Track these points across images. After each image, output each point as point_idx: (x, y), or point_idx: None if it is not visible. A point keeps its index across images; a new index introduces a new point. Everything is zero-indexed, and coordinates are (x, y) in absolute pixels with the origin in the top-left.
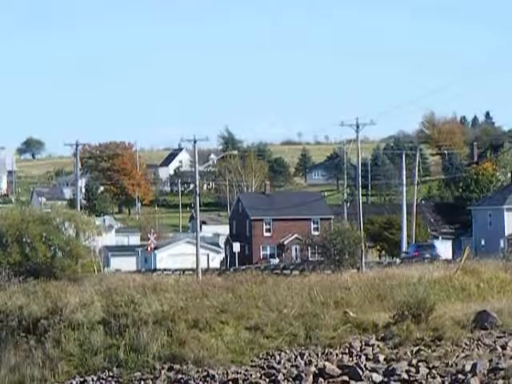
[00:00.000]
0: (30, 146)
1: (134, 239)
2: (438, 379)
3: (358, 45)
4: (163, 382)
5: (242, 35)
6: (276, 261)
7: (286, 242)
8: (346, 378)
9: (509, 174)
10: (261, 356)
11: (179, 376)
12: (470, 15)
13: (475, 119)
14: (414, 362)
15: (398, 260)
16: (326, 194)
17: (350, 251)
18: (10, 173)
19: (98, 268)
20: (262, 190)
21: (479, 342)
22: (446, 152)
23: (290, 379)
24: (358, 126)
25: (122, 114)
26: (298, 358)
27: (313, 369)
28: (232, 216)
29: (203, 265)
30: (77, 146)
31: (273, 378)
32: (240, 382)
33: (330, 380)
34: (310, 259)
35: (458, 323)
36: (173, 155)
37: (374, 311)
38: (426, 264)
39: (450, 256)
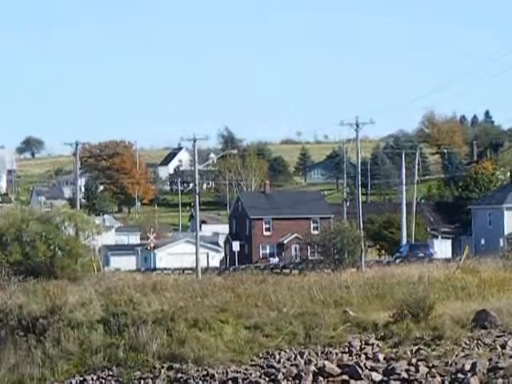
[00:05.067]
0: (30, 145)
1: (134, 238)
2: (438, 378)
3: (357, 44)
4: (163, 381)
5: (242, 34)
6: (276, 260)
7: (285, 241)
8: (345, 377)
9: (508, 173)
10: (260, 355)
11: (179, 375)
12: (470, 15)
13: (475, 118)
14: (414, 361)
15: (396, 260)
16: (325, 193)
17: (349, 250)
18: (9, 172)
19: (97, 267)
20: (261, 189)
21: (479, 341)
22: (445, 151)
23: (290, 378)
24: (357, 125)
25: (121, 112)
26: (298, 357)
27: (312, 368)
28: (232, 215)
29: (203, 264)
30: (76, 144)
31: (272, 377)
32: (240, 381)
33: (330, 379)
34: (310, 258)
35: (457, 322)
36: (172, 154)
37: (374, 310)
38: (425, 263)
39: (449, 255)
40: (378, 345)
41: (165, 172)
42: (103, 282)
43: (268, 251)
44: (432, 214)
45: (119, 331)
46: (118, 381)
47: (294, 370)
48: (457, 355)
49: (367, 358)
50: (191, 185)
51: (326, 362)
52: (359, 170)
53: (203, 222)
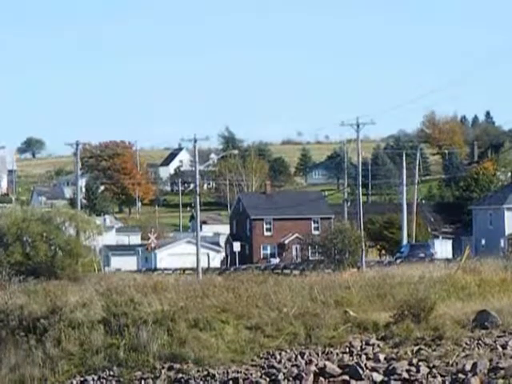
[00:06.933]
0: (31, 146)
1: (135, 239)
2: (439, 378)
3: (358, 44)
4: (163, 382)
5: (243, 35)
6: (276, 260)
7: (286, 242)
8: (346, 377)
9: (509, 174)
10: (261, 355)
11: (179, 375)
12: (470, 14)
13: (475, 119)
14: (415, 361)
15: (397, 260)
16: (326, 193)
17: (350, 250)
18: (10, 172)
19: (98, 267)
20: (262, 190)
21: (479, 342)
22: (446, 151)
23: (291, 378)
24: (358, 126)
25: (122, 113)
26: (299, 357)
27: (313, 368)
28: (232, 215)
29: (204, 264)
30: (77, 145)
31: (273, 377)
32: (240, 381)
33: (331, 379)
34: (311, 259)
35: (458, 322)
36: (173, 155)
37: (375, 310)
38: (426, 263)
39: (450, 255)
40: (378, 345)
41: (165, 172)
42: (104, 282)
43: (269, 251)
44: (433, 215)
45: (120, 331)
46: (118, 381)
47: (295, 371)
48: (457, 355)
49: (368, 359)
50: (192, 185)
51: (327, 363)
52: (360, 170)
53: (204, 222)
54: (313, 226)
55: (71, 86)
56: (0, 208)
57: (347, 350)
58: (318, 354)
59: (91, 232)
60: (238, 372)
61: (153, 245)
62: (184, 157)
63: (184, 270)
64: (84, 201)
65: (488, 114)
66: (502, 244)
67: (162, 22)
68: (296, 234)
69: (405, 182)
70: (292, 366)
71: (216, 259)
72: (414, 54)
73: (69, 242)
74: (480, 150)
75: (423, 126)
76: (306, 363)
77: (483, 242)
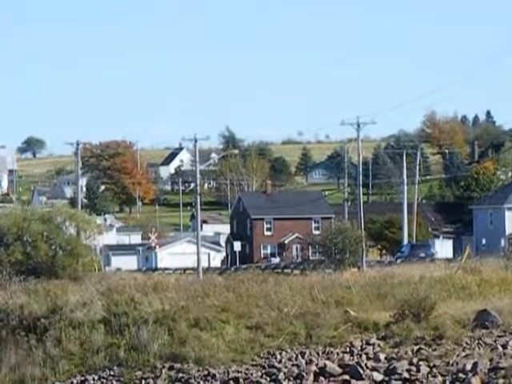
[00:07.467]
0: (31, 145)
1: (135, 238)
2: (439, 378)
3: (357, 44)
4: (164, 381)
5: (243, 35)
6: (277, 260)
7: (286, 241)
8: (346, 376)
9: (510, 173)
10: (262, 355)
11: (180, 375)
12: (471, 14)
13: (476, 118)
14: (415, 360)
15: (397, 260)
16: (326, 193)
17: (350, 250)
18: (10, 172)
19: (98, 267)
20: (262, 189)
21: (480, 341)
22: (446, 151)
23: (291, 378)
24: (358, 125)
25: (122, 113)
26: (299, 357)
27: (314, 368)
28: (233, 215)
29: (204, 264)
30: (78, 144)
31: (274, 377)
32: (241, 381)
33: (331, 379)
34: (311, 258)
35: (458, 322)
36: (174, 154)
37: (375, 310)
38: (426, 263)
39: (450, 255)
40: (379, 345)
41: (166, 172)
42: (104, 281)
43: (269, 251)
44: (433, 214)
45: (120, 331)
46: (119, 381)
47: (295, 370)
48: (458, 355)
49: (368, 358)
50: (192, 185)
51: (327, 362)
52: (360, 169)
53: (204, 221)
54: (313, 225)
55: (71, 86)
56: (1, 208)
57: (348, 349)
58: (318, 354)
59: (92, 231)
60: (238, 372)
61: (153, 244)
62: (184, 156)
63: (184, 269)
64: (85, 200)
65: (488, 113)
66: (503, 244)
67: (161, 22)
68: (296, 234)
69: (405, 181)
70: (292, 365)
71: (216, 259)
72: (414, 54)
73: (69, 241)
74: (480, 149)
75: (424, 125)
76: (307, 363)
77: (484, 241)
